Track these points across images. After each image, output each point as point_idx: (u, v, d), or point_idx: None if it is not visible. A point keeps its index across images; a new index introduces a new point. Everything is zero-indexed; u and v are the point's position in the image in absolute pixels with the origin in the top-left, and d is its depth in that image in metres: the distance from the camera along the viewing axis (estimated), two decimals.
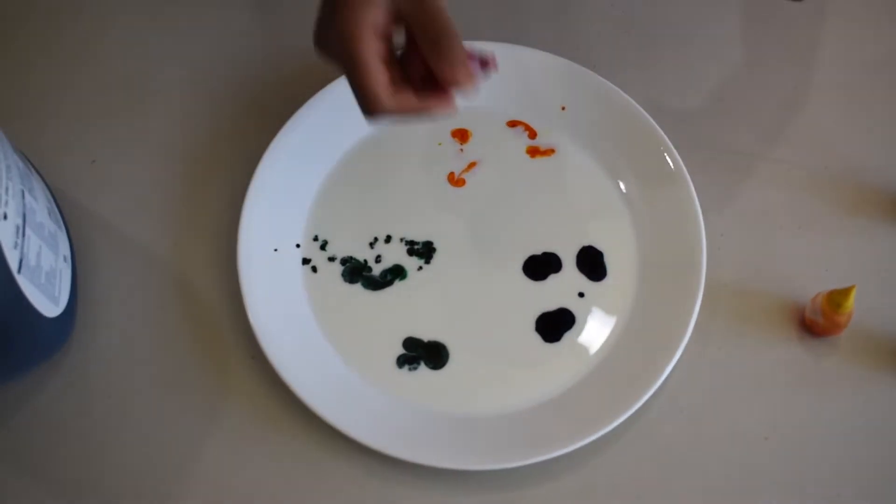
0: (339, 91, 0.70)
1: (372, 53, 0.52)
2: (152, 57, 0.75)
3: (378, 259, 0.67)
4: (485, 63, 0.55)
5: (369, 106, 0.53)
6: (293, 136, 0.69)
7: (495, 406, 0.63)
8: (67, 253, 0.64)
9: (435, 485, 0.61)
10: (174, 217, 0.69)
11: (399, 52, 0.56)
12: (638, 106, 0.70)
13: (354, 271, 0.67)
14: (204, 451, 0.62)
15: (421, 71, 0.55)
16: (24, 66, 0.75)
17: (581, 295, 0.66)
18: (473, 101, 0.70)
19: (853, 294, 0.61)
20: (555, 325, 0.65)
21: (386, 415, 0.62)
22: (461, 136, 0.71)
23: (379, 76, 0.52)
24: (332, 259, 0.68)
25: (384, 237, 0.68)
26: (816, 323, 0.64)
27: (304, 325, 0.65)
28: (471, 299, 0.66)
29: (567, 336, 0.65)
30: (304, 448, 0.62)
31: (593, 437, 0.60)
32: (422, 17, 0.52)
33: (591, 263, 0.67)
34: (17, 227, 0.55)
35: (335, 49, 0.53)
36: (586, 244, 0.68)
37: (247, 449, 0.62)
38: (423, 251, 0.68)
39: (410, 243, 0.68)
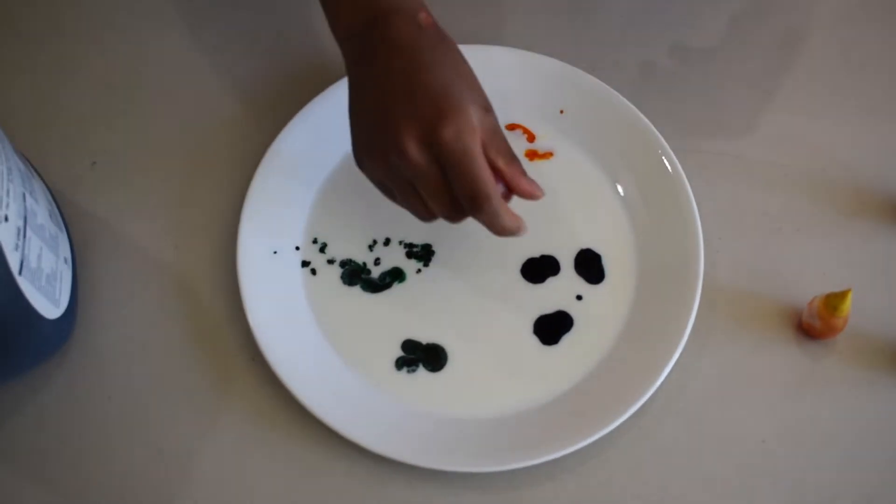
0: (339, 94, 0.70)
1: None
2: (152, 59, 0.75)
3: (377, 262, 0.68)
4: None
5: (483, 194, 0.55)
6: (293, 139, 0.69)
7: (494, 408, 0.63)
8: (68, 255, 0.64)
9: (434, 487, 0.61)
10: (174, 219, 0.69)
11: None
12: (636, 109, 0.70)
13: (353, 274, 0.67)
14: (203, 452, 0.62)
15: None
16: (25, 68, 0.75)
17: (579, 298, 0.67)
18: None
19: (849, 297, 0.62)
20: (553, 327, 0.66)
21: (385, 417, 0.62)
22: None
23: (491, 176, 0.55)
24: (331, 261, 0.68)
25: (383, 240, 0.68)
26: (813, 326, 0.64)
27: (303, 327, 0.65)
28: (469, 302, 0.67)
29: (565, 339, 0.65)
30: (304, 450, 0.62)
31: (591, 440, 0.60)
32: (500, 142, 0.57)
33: (590, 266, 0.68)
34: (19, 229, 0.55)
35: (439, 154, 0.54)
36: (584, 247, 0.68)
37: (246, 450, 0.62)
38: (422, 254, 0.68)
39: (409, 246, 0.68)
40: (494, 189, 0.55)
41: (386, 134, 0.55)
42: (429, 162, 0.54)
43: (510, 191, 0.58)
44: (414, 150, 0.54)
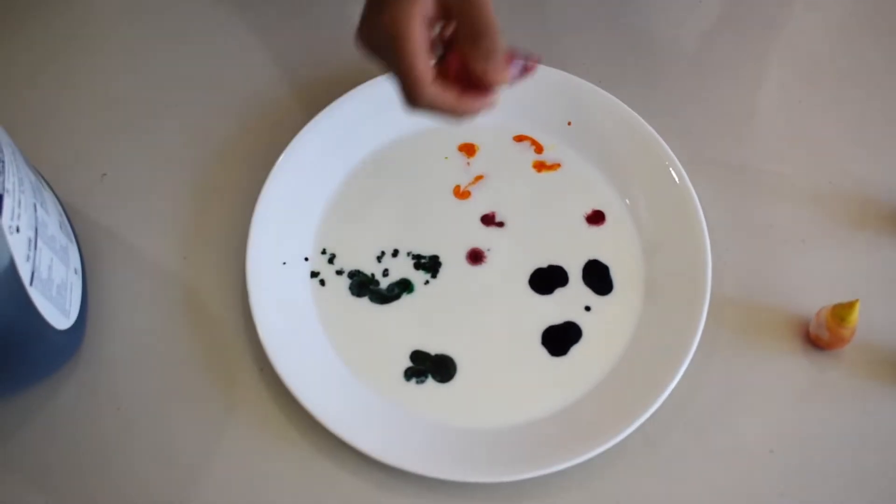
0: (348, 106, 0.71)
1: (420, 41, 0.53)
2: (163, 72, 0.76)
3: (385, 273, 0.68)
4: (527, 67, 0.57)
5: (413, 92, 0.54)
6: (302, 151, 0.69)
7: (503, 419, 0.63)
8: (78, 265, 0.64)
9: (442, 497, 0.61)
10: (184, 230, 0.70)
11: (438, 54, 0.57)
12: (643, 121, 0.70)
13: (362, 285, 0.67)
14: (212, 462, 0.63)
15: (456, 70, 0.56)
16: (36, 82, 0.75)
17: (588, 309, 0.67)
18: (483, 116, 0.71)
19: (857, 308, 0.62)
20: (561, 338, 0.66)
21: (394, 427, 0.63)
22: (468, 150, 0.72)
23: (424, 64, 0.53)
24: (339, 272, 0.68)
25: (391, 251, 0.69)
26: (821, 337, 0.64)
27: (312, 337, 0.66)
28: (477, 313, 0.67)
29: (574, 350, 0.66)
30: (312, 460, 0.62)
31: (600, 450, 0.60)
32: (467, 9, 0.53)
33: (598, 277, 0.68)
34: (30, 240, 0.55)
35: (381, 38, 0.54)
36: (592, 258, 0.68)
37: (255, 460, 0.63)
38: (430, 265, 0.68)
39: (417, 257, 0.68)
40: (424, 83, 0.53)
41: (358, 25, 0.57)
42: (375, 57, 0.56)
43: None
44: (362, 45, 0.56)
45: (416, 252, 0.69)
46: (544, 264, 0.68)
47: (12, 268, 0.52)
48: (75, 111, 0.74)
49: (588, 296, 0.67)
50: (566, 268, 0.68)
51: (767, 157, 0.72)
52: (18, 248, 0.53)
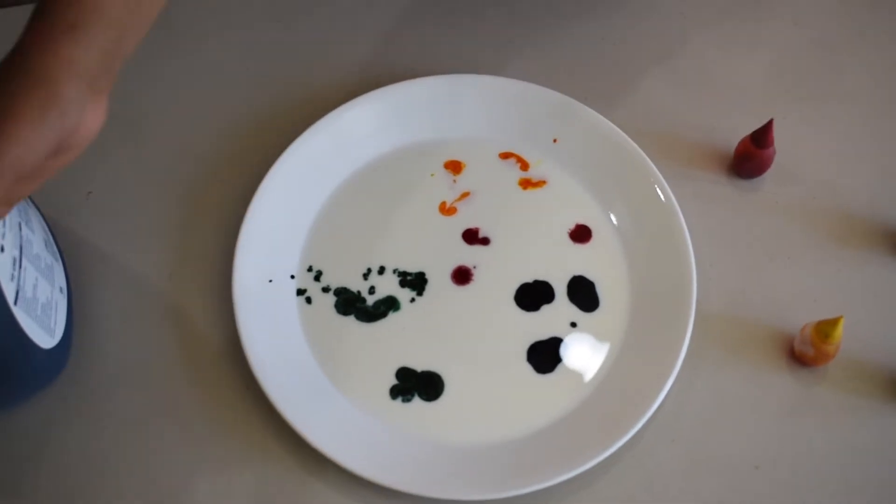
0: (335, 123, 0.71)
1: None
2: (147, 89, 0.76)
3: (371, 290, 0.68)
4: None
5: None
6: (288, 168, 0.70)
7: (489, 436, 0.63)
8: (63, 284, 0.64)
9: None
10: (170, 248, 0.69)
11: None
12: (628, 138, 0.70)
13: (348, 303, 0.67)
14: (198, 481, 0.62)
15: None
16: None
17: (573, 325, 0.67)
18: (468, 133, 0.72)
19: (841, 324, 0.62)
20: (547, 355, 0.66)
21: (381, 445, 0.62)
22: (454, 167, 0.72)
23: None
24: (326, 290, 0.68)
25: (377, 268, 0.69)
26: (805, 353, 0.65)
27: (298, 355, 0.66)
28: (463, 330, 0.67)
29: (560, 366, 0.66)
30: (299, 478, 0.62)
31: (585, 467, 0.60)
32: None
33: (583, 294, 0.68)
34: (14, 259, 0.55)
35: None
36: (578, 274, 0.68)
37: (241, 478, 0.62)
38: (416, 282, 0.68)
39: (403, 274, 0.68)
40: None
41: None
42: None
43: None
44: None
45: (402, 269, 0.69)
46: (530, 281, 0.68)
47: None
48: None
49: (574, 312, 0.67)
50: (552, 284, 0.68)
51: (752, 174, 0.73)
52: (3, 267, 0.53)
